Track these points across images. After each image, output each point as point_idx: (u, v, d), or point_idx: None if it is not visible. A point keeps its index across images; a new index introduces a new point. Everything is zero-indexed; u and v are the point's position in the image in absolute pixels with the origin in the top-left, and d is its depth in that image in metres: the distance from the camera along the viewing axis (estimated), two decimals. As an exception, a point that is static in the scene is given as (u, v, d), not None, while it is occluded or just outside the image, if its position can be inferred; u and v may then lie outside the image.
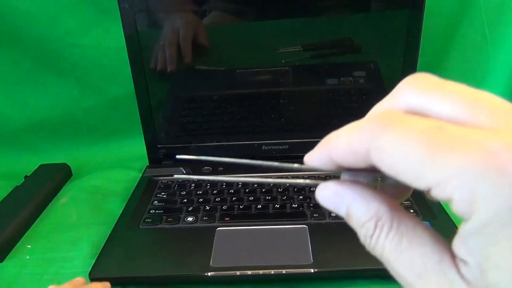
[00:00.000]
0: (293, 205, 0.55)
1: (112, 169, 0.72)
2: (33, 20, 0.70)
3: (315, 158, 0.20)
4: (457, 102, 0.16)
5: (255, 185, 0.61)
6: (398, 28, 0.60)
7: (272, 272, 0.44)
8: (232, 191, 0.59)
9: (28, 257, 0.51)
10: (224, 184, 0.61)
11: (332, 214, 0.53)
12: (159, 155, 0.69)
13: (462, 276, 0.15)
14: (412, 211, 0.53)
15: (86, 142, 0.79)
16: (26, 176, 0.67)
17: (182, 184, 0.62)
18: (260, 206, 0.55)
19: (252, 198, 0.57)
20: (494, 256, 0.14)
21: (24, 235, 0.56)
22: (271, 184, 0.61)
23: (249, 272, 0.44)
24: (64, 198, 0.64)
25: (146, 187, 0.62)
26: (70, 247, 0.52)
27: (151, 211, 0.56)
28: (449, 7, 0.70)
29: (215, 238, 0.49)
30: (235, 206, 0.56)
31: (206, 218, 0.53)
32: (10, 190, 0.63)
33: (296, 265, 0.44)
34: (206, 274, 0.44)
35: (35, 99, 0.76)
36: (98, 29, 0.71)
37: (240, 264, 0.45)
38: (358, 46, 0.64)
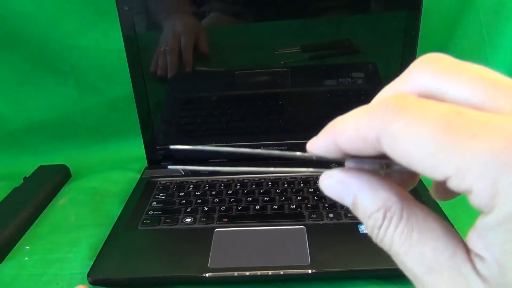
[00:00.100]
0: (291, 206, 0.55)
1: (111, 170, 0.72)
2: (32, 22, 0.70)
3: (319, 145, 0.18)
4: (475, 85, 0.15)
5: (253, 186, 0.61)
6: (396, 29, 0.61)
7: (270, 273, 0.44)
8: (231, 192, 0.60)
9: (27, 258, 0.51)
10: (222, 185, 0.61)
11: (330, 215, 0.53)
12: (158, 156, 0.69)
13: (477, 272, 0.14)
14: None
15: (85, 144, 0.79)
16: (25, 178, 0.67)
17: (181, 185, 0.62)
18: (258, 207, 0.56)
19: (251, 199, 0.57)
20: None
21: (23, 237, 0.56)
22: (271, 181, 0.61)
23: (247, 273, 0.44)
24: (63, 199, 0.65)
25: (144, 188, 0.63)
26: (69, 248, 0.53)
27: (149, 212, 0.56)
28: (447, 8, 0.71)
29: (213, 239, 0.49)
30: (233, 207, 0.56)
31: (205, 219, 0.54)
32: (9, 191, 0.63)
33: (294, 265, 0.45)
34: (204, 275, 0.44)
35: (34, 101, 0.76)
36: (96, 30, 0.71)
37: (238, 265, 0.45)
38: (356, 47, 0.64)
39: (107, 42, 0.72)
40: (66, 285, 0.47)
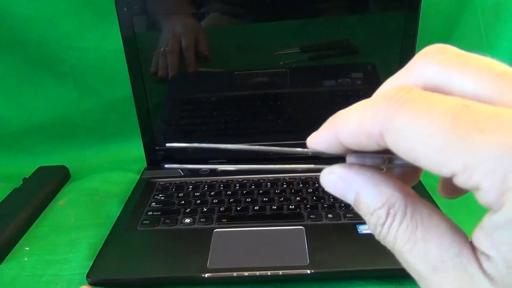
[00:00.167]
0: (290, 206, 0.55)
1: (110, 171, 0.72)
2: (31, 23, 0.70)
3: (320, 140, 0.18)
4: (483, 77, 0.15)
5: (252, 186, 0.61)
6: (395, 30, 0.61)
7: (269, 273, 0.44)
8: (230, 192, 0.60)
9: (26, 259, 0.51)
10: (222, 185, 0.61)
11: (329, 216, 0.53)
12: (157, 157, 0.69)
13: (484, 271, 0.14)
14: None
15: (84, 145, 0.79)
16: (24, 179, 0.68)
17: (180, 185, 0.62)
18: (257, 208, 0.56)
19: (250, 200, 0.58)
20: None
21: (23, 237, 0.56)
22: (270, 181, 0.61)
23: (246, 273, 0.44)
24: (62, 200, 0.65)
25: (144, 189, 0.63)
26: (68, 249, 0.53)
27: (148, 213, 0.56)
28: (445, 8, 0.71)
29: (212, 239, 0.50)
30: (232, 207, 0.56)
31: (204, 219, 0.54)
32: (9, 192, 0.63)
33: (293, 266, 0.45)
34: (203, 275, 0.44)
35: (34, 102, 0.76)
36: (96, 32, 0.72)
37: (237, 265, 0.45)
38: (355, 47, 0.64)
39: (106, 43, 0.72)
40: (66, 285, 0.47)
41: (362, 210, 0.17)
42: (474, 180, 0.13)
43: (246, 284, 0.45)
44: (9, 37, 0.71)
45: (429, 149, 0.13)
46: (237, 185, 0.62)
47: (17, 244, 0.54)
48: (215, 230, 0.51)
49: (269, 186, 0.61)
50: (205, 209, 0.56)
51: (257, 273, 0.44)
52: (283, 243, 0.49)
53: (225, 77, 0.66)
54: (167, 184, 0.63)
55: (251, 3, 0.61)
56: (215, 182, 0.62)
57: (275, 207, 0.55)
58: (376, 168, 0.18)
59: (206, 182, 0.63)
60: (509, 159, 0.12)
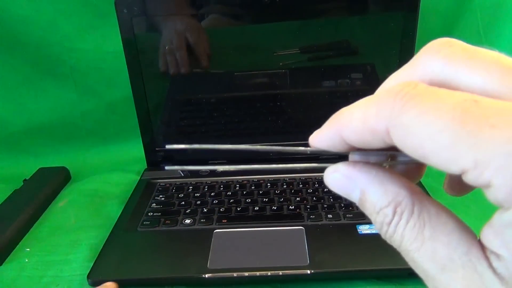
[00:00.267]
0: (290, 207, 0.55)
1: (110, 172, 0.72)
2: (31, 25, 0.70)
3: (323, 138, 0.17)
4: (491, 72, 0.14)
5: (252, 187, 0.61)
6: (394, 30, 0.61)
7: (269, 274, 0.44)
8: (230, 193, 0.60)
9: (27, 260, 0.52)
10: (222, 186, 0.62)
11: (329, 216, 0.53)
12: (157, 158, 0.69)
13: (494, 270, 0.14)
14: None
15: (84, 146, 0.79)
16: (25, 180, 0.68)
17: (180, 186, 0.63)
18: (257, 208, 0.56)
19: (250, 200, 0.58)
20: None
21: (23, 238, 0.56)
22: (270, 182, 0.61)
23: (246, 274, 0.44)
24: (62, 201, 0.65)
25: (144, 190, 0.63)
26: (69, 250, 0.53)
27: (149, 214, 0.56)
28: (444, 9, 0.71)
29: (212, 240, 0.50)
30: (232, 208, 0.56)
31: (204, 220, 0.54)
32: (9, 193, 0.64)
33: (293, 266, 0.45)
34: (203, 276, 0.44)
35: (34, 103, 0.76)
36: (96, 33, 0.72)
37: (237, 265, 0.45)
38: (355, 48, 0.64)
39: (106, 45, 0.72)
40: (67, 286, 0.47)
41: (368, 208, 0.17)
42: (485, 177, 0.13)
43: (246, 285, 0.46)
44: (9, 38, 0.71)
45: (437, 145, 0.13)
46: (237, 185, 0.62)
47: (17, 245, 0.55)
48: (215, 231, 0.51)
49: (269, 186, 0.61)
50: (205, 210, 0.56)
51: (257, 273, 0.44)
52: (283, 244, 0.49)
53: (225, 78, 0.66)
54: (167, 185, 0.63)
55: (250, 4, 0.61)
56: (215, 183, 0.63)
57: (275, 208, 0.56)
58: (381, 166, 0.17)
59: (206, 182, 0.63)
60: None
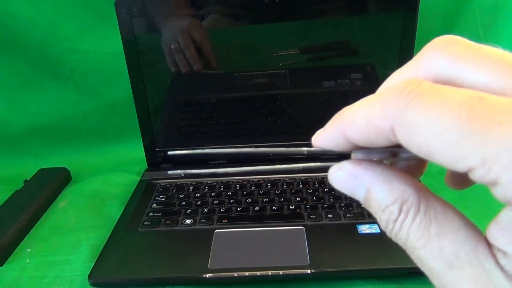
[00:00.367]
0: (291, 207, 0.56)
1: (111, 172, 0.72)
2: (31, 26, 0.70)
3: (326, 138, 0.17)
4: (495, 69, 0.14)
5: (253, 187, 0.61)
6: (394, 31, 0.61)
7: (269, 273, 0.44)
8: (230, 193, 0.60)
9: (28, 260, 0.52)
10: (222, 186, 0.62)
11: (329, 216, 0.53)
12: (158, 159, 0.69)
13: (501, 267, 0.14)
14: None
15: (85, 146, 0.79)
16: (25, 181, 0.68)
17: (181, 187, 0.63)
18: (258, 208, 0.56)
19: (250, 200, 0.58)
20: None
21: (24, 239, 0.56)
22: (270, 182, 0.62)
23: (247, 274, 0.44)
24: (63, 202, 0.65)
25: (144, 190, 0.63)
26: (70, 250, 0.53)
27: (149, 214, 0.56)
28: (444, 9, 0.71)
29: (213, 240, 0.50)
30: (232, 208, 0.56)
31: (204, 220, 0.54)
32: (10, 194, 0.64)
33: (293, 266, 0.45)
34: (204, 275, 0.44)
35: (34, 104, 0.76)
36: (96, 34, 0.72)
37: (237, 265, 0.45)
38: (354, 48, 0.64)
39: (106, 46, 0.72)
40: (68, 287, 0.47)
41: (373, 206, 0.17)
42: (492, 174, 0.12)
43: (247, 284, 0.46)
44: (10, 39, 0.71)
45: (444, 144, 0.13)
46: (238, 185, 0.62)
47: (18, 246, 0.55)
48: (215, 231, 0.51)
49: (269, 186, 0.61)
50: (205, 210, 0.56)
51: (258, 273, 0.44)
52: (284, 243, 0.49)
53: (225, 79, 0.66)
54: (168, 185, 0.63)
55: (250, 4, 0.61)
56: (215, 183, 0.63)
57: (275, 208, 0.56)
58: (384, 164, 0.17)
59: (206, 183, 0.63)
60: None
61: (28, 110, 0.77)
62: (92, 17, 0.71)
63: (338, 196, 0.57)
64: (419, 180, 0.18)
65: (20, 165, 0.76)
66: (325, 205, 0.55)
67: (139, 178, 0.67)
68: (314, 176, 0.62)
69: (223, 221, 0.54)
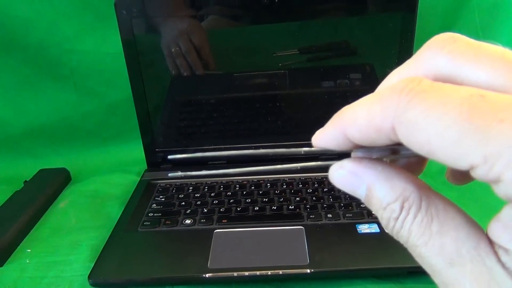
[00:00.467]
0: (290, 207, 0.56)
1: (110, 173, 0.72)
2: (31, 27, 0.70)
3: (326, 137, 0.17)
4: (496, 67, 0.14)
5: (252, 187, 0.61)
6: (393, 31, 0.61)
7: (269, 273, 0.44)
8: (230, 193, 0.60)
9: (28, 261, 0.52)
10: (222, 186, 0.62)
11: (328, 215, 0.53)
12: (157, 159, 0.69)
13: (503, 264, 0.14)
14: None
15: (84, 147, 0.79)
16: (25, 181, 0.68)
17: (180, 187, 0.63)
18: (257, 208, 0.56)
19: (249, 200, 0.58)
20: None
21: (24, 239, 0.56)
22: (269, 182, 0.62)
23: (246, 273, 0.44)
24: (63, 202, 0.65)
25: (144, 191, 0.63)
26: (70, 250, 0.53)
27: (149, 214, 0.56)
28: (443, 9, 0.71)
29: (212, 240, 0.50)
30: (232, 208, 0.56)
31: (204, 220, 0.54)
32: (10, 194, 0.64)
33: (293, 265, 0.45)
34: (203, 275, 0.44)
35: (34, 105, 0.76)
36: (95, 35, 0.72)
37: (237, 265, 0.45)
38: (353, 48, 0.65)
39: (106, 46, 0.72)
40: (68, 287, 0.47)
41: (374, 204, 0.17)
42: (494, 172, 0.12)
43: (246, 284, 0.46)
44: (10, 40, 0.71)
45: (445, 142, 0.13)
46: (237, 186, 0.62)
47: (18, 247, 0.55)
48: (215, 231, 0.52)
49: (269, 186, 0.61)
50: (205, 210, 0.56)
51: (258, 272, 0.44)
52: (283, 243, 0.49)
53: (224, 79, 0.66)
54: (168, 185, 0.64)
55: (249, 5, 0.61)
56: (215, 183, 0.63)
57: (275, 208, 0.56)
58: (385, 161, 0.17)
59: (206, 183, 0.63)
60: None
61: (28, 110, 0.77)
62: (91, 17, 0.71)
63: (337, 196, 0.57)
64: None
65: (20, 166, 0.76)
66: (325, 205, 0.55)
67: (139, 179, 0.67)
68: (313, 176, 0.62)
69: (223, 221, 0.54)
